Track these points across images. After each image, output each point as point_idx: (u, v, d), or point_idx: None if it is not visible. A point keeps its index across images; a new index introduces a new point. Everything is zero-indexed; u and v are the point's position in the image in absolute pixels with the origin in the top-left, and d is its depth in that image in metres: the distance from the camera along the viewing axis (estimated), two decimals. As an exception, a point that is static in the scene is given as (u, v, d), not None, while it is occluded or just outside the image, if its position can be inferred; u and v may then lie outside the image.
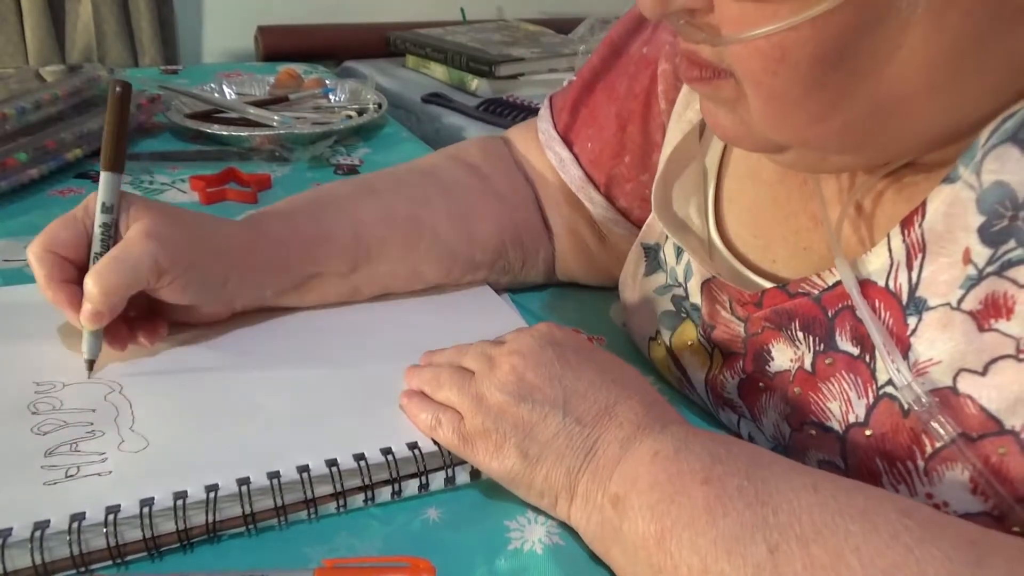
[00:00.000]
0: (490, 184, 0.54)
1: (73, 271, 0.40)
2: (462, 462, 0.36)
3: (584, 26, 1.39)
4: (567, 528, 0.34)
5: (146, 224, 0.39)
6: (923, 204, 0.30)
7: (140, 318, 0.42)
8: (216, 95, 0.93)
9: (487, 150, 0.57)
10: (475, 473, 0.36)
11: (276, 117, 0.83)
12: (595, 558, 0.33)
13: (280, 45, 1.44)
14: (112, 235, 0.40)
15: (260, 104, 0.88)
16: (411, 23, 1.48)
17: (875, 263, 0.32)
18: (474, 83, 1.17)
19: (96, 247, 0.40)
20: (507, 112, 1.04)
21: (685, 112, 0.44)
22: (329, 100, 0.95)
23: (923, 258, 0.31)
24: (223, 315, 0.45)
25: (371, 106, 0.93)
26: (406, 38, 1.31)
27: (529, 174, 0.56)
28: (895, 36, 0.26)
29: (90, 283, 0.38)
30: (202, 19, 1.53)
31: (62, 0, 1.38)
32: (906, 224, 0.31)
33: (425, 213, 0.50)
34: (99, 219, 0.40)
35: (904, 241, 0.31)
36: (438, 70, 1.26)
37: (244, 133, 0.80)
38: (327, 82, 0.99)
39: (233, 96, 0.95)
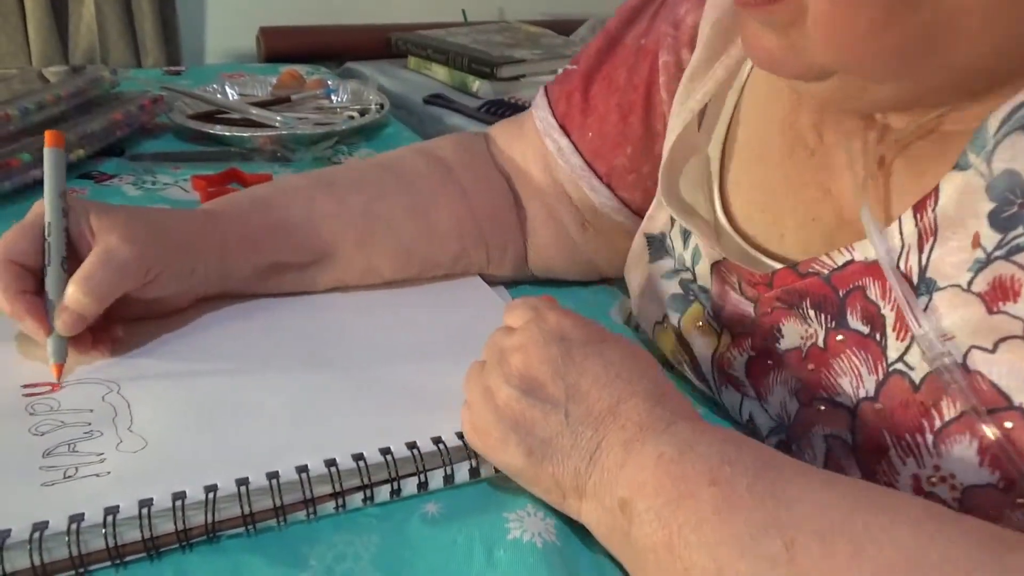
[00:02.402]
0: (454, 177, 0.54)
1: (32, 281, 0.40)
2: (460, 460, 0.36)
3: (585, 27, 1.39)
4: (567, 520, 0.34)
5: (119, 228, 0.40)
6: (936, 189, 0.31)
7: (95, 327, 0.42)
8: (219, 96, 0.93)
9: (460, 144, 0.57)
10: (474, 471, 0.36)
11: (278, 118, 0.83)
12: (594, 550, 0.33)
13: (282, 46, 1.44)
14: (64, 243, 0.40)
15: (262, 105, 0.88)
16: (412, 24, 1.48)
17: (881, 248, 0.33)
18: (476, 84, 1.17)
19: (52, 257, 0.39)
20: (509, 113, 1.04)
21: (686, 102, 0.45)
22: (331, 101, 0.95)
23: (934, 241, 0.31)
24: (184, 305, 0.46)
25: (373, 107, 0.93)
26: (408, 39, 1.32)
27: (507, 168, 0.56)
28: None
29: (74, 288, 0.38)
30: (204, 20, 1.54)
31: (65, 1, 1.39)
32: (919, 208, 0.32)
33: (381, 207, 0.50)
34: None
35: (917, 225, 0.32)
36: (440, 71, 1.26)
37: (246, 134, 0.80)
38: (329, 83, 0.99)
39: (235, 97, 0.95)
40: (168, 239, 0.43)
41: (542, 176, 0.54)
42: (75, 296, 0.38)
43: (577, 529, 0.34)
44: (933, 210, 0.31)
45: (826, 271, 0.35)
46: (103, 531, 0.30)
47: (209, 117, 0.84)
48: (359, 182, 0.51)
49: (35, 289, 0.40)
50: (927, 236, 0.31)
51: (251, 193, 0.50)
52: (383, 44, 1.37)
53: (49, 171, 0.41)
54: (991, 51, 0.29)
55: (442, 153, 0.55)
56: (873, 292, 0.34)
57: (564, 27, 1.45)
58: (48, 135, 0.41)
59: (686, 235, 0.44)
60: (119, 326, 0.43)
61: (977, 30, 0.28)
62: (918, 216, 0.32)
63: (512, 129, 0.57)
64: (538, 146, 0.54)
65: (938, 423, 0.31)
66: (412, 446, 0.36)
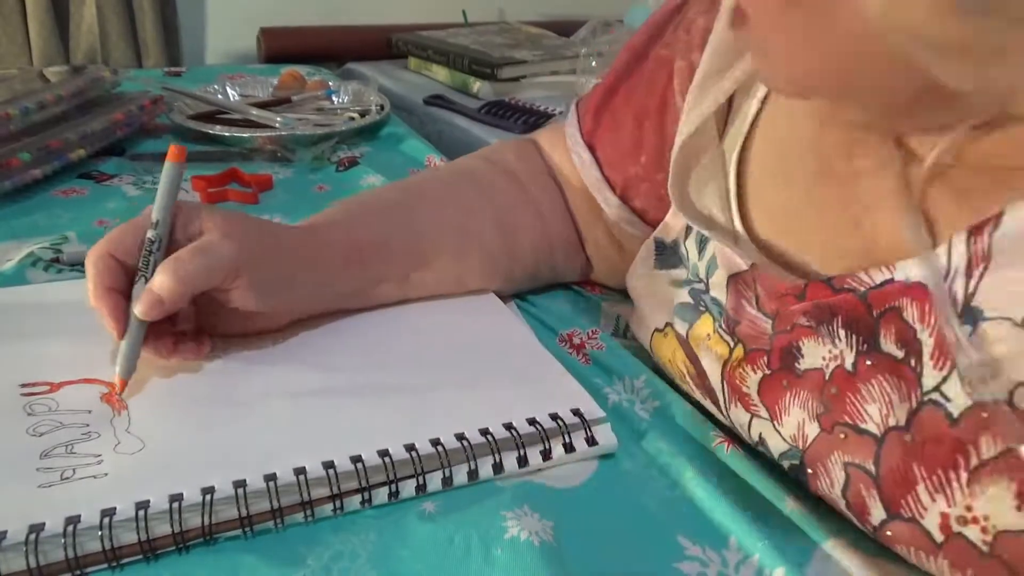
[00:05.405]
0: (529, 194, 0.55)
1: (124, 281, 0.40)
2: (459, 462, 0.36)
3: (586, 28, 1.39)
4: (564, 520, 0.34)
5: (222, 226, 0.41)
6: (999, 214, 0.29)
7: (186, 334, 0.42)
8: (220, 96, 0.93)
9: (522, 156, 0.57)
10: (473, 474, 0.36)
11: (278, 118, 0.83)
12: (592, 549, 0.33)
13: (282, 47, 1.44)
14: (159, 249, 0.40)
15: (263, 105, 0.88)
16: (413, 25, 1.48)
17: (930, 267, 0.31)
18: (476, 85, 1.17)
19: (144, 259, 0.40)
20: (509, 114, 1.04)
21: (698, 105, 0.44)
22: (332, 102, 0.95)
23: (985, 268, 0.29)
24: (283, 322, 0.45)
25: (373, 108, 0.93)
26: (408, 40, 1.32)
27: (558, 180, 0.57)
28: None
29: (161, 270, 0.38)
30: (205, 21, 1.54)
31: (66, 1, 1.39)
32: (975, 232, 0.30)
33: (472, 223, 0.51)
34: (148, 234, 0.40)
35: (969, 249, 0.30)
36: (440, 72, 1.26)
37: (246, 134, 0.80)
38: (330, 84, 0.99)
39: (236, 97, 0.95)
40: (269, 247, 0.42)
41: (581, 191, 0.55)
42: (160, 278, 0.38)
43: (575, 529, 0.34)
44: (991, 235, 0.29)
45: (863, 288, 0.33)
46: (99, 533, 0.30)
47: (209, 118, 0.85)
48: (449, 196, 0.52)
49: (124, 290, 0.40)
50: (977, 262, 0.29)
51: (348, 208, 0.50)
52: (383, 45, 1.37)
53: (164, 182, 0.41)
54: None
55: (511, 166, 0.56)
56: (910, 314, 0.32)
57: (564, 28, 1.44)
58: (172, 148, 0.42)
59: (702, 245, 0.43)
60: (209, 344, 0.42)
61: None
62: (972, 240, 0.30)
63: (554, 138, 0.57)
64: (570, 159, 0.55)
65: (975, 461, 0.29)
66: (411, 448, 0.36)
